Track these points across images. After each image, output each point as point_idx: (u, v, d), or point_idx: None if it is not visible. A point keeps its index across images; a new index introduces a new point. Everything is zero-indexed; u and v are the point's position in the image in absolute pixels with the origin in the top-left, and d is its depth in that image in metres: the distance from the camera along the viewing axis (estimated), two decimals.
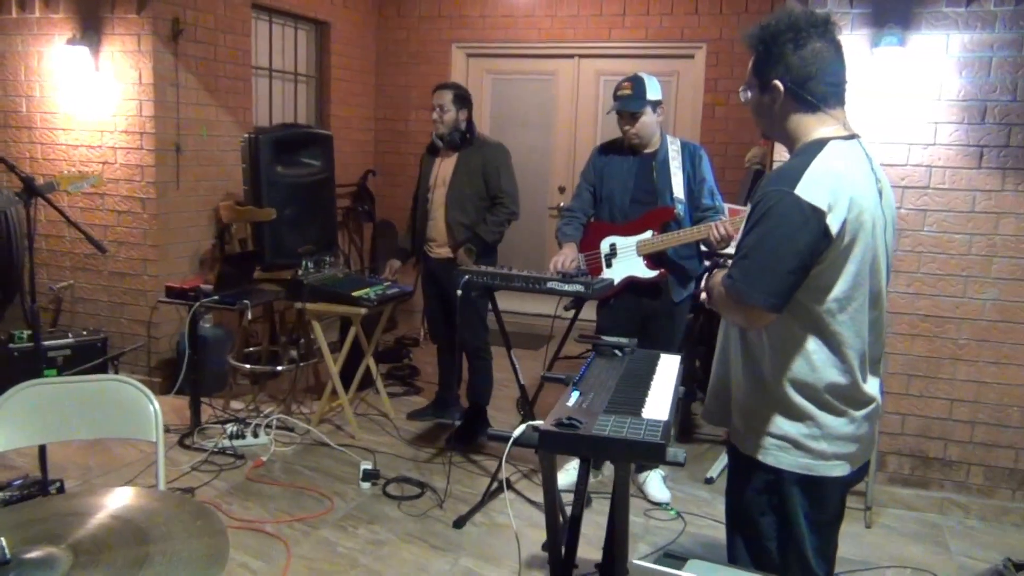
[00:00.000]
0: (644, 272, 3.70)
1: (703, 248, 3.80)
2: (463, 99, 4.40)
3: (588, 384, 2.27)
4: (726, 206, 3.80)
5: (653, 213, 3.68)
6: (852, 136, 1.96)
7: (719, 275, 2.09)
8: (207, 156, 5.35)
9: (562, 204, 6.87)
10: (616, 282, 3.70)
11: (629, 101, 3.68)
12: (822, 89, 1.92)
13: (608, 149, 3.90)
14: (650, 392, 2.22)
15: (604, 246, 3.78)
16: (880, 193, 1.95)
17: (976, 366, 3.67)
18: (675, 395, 2.25)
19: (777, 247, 1.83)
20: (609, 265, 3.77)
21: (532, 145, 6.90)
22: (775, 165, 3.83)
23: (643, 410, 2.03)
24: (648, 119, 3.70)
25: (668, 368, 2.51)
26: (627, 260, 3.72)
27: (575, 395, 2.14)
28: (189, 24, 5.08)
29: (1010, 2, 3.45)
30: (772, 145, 4.16)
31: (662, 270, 3.69)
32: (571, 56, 6.73)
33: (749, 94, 2.02)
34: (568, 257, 3.70)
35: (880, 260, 1.96)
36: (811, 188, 1.81)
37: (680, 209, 3.67)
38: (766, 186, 1.89)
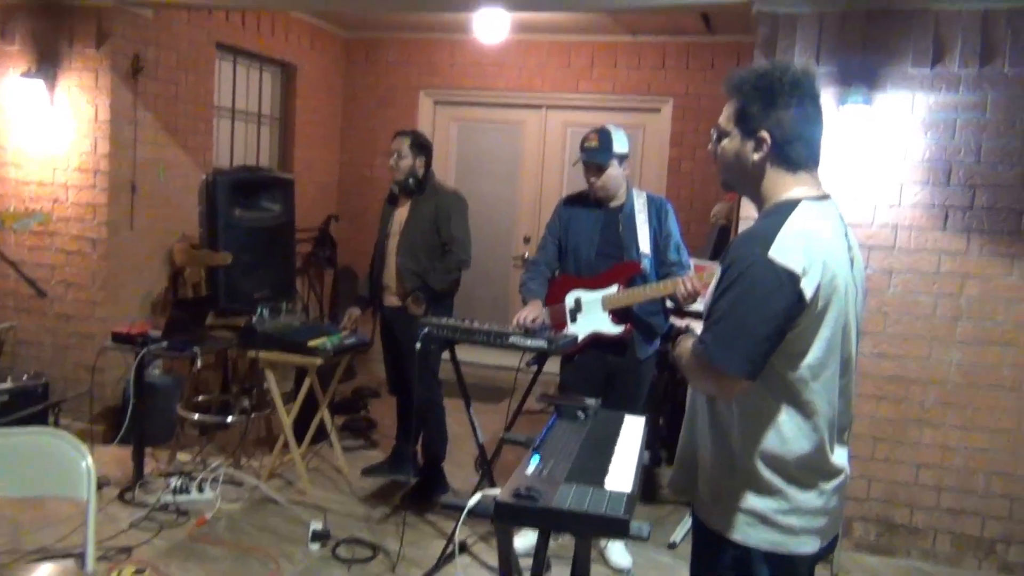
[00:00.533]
0: (609, 328, 3.61)
1: (668, 304, 3.73)
2: (421, 146, 4.34)
3: (549, 448, 2.15)
4: (692, 261, 3.74)
5: (619, 267, 3.61)
6: (824, 196, 1.90)
7: (687, 341, 2.00)
8: (163, 197, 5.21)
9: (527, 256, 6.81)
10: (580, 337, 3.61)
11: (595, 153, 3.63)
12: (806, 151, 1.85)
13: (574, 201, 3.83)
14: (613, 459, 2.11)
15: (569, 300, 3.69)
16: (851, 256, 1.88)
17: (942, 430, 3.61)
18: (639, 462, 2.15)
19: (751, 312, 1.74)
20: (574, 320, 3.68)
21: (498, 195, 6.85)
22: (742, 222, 3.79)
23: (606, 480, 1.92)
24: (614, 172, 3.65)
25: (632, 432, 2.40)
26: (592, 315, 3.63)
27: (535, 460, 2.02)
28: (150, 61, 4.97)
29: (973, 65, 3.47)
30: (738, 201, 4.13)
31: (628, 325, 3.61)
32: (539, 107, 6.72)
33: (725, 141, 1.94)
34: (532, 313, 3.59)
35: (851, 325, 1.89)
36: (785, 251, 1.73)
37: (646, 264, 3.61)
38: (737, 248, 1.81)
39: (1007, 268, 3.49)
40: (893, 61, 3.55)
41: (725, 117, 1.93)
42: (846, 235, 1.90)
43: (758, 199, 1.93)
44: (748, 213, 3.79)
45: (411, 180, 4.33)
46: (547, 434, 2.29)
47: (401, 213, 4.40)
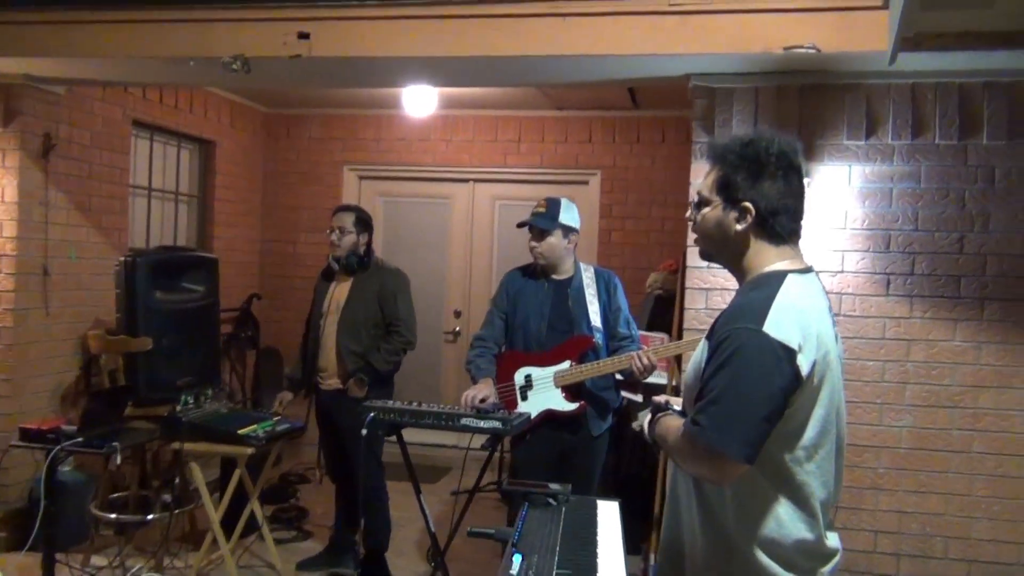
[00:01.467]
0: (563, 405, 3.51)
1: (618, 377, 3.66)
2: (364, 223, 4.22)
3: (528, 543, 2.01)
4: (657, 341, 3.70)
5: (571, 342, 3.53)
6: (808, 269, 1.86)
7: (670, 420, 1.91)
8: (75, 280, 4.91)
9: (457, 330, 6.69)
10: (533, 416, 3.48)
11: (540, 218, 3.61)
12: (789, 224, 1.81)
13: (521, 274, 3.76)
14: (599, 552, 1.99)
15: (519, 377, 3.58)
16: (837, 337, 1.84)
17: (897, 495, 3.60)
18: (624, 550, 2.04)
19: (750, 391, 1.66)
20: (524, 398, 3.56)
21: (426, 269, 6.73)
22: (688, 292, 3.78)
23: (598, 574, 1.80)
24: (556, 241, 3.61)
25: (609, 519, 2.30)
26: (544, 392, 3.52)
27: (517, 560, 1.88)
28: (62, 140, 4.73)
29: (905, 137, 3.58)
30: (681, 271, 4.12)
31: (582, 402, 3.51)
32: (466, 180, 6.69)
33: (706, 210, 1.88)
34: (482, 392, 3.46)
35: (842, 403, 1.84)
36: (780, 326, 1.67)
37: (598, 338, 3.54)
38: (728, 323, 1.74)
39: (950, 332, 3.55)
40: (829, 133, 3.63)
41: (707, 185, 1.88)
42: (830, 309, 1.86)
43: (739, 270, 1.88)
44: (693, 283, 3.78)
45: (353, 257, 4.18)
46: (522, 527, 2.15)
47: (339, 290, 4.24)
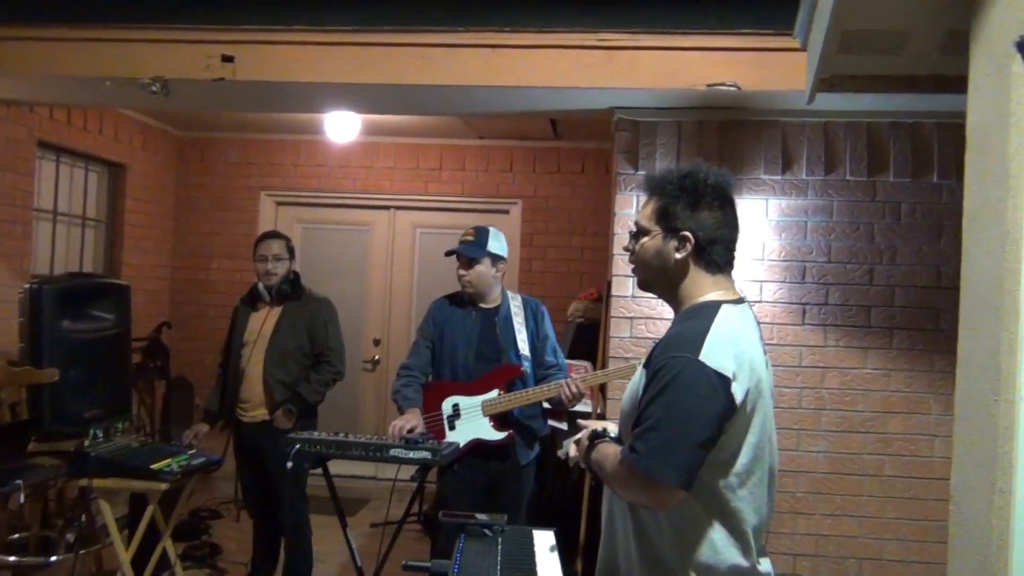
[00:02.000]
0: (491, 434, 3.50)
1: (545, 405, 3.67)
2: (292, 250, 4.15)
3: (468, 575, 1.99)
4: (581, 370, 3.73)
5: (499, 371, 3.53)
6: (741, 300, 1.91)
7: (608, 448, 1.92)
8: None
9: (376, 359, 6.61)
10: (461, 445, 3.46)
11: (468, 246, 3.61)
12: (725, 254, 1.87)
13: (448, 303, 3.75)
14: None
15: (446, 407, 3.55)
16: (767, 364, 1.90)
17: (814, 519, 3.72)
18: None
19: (686, 419, 1.69)
20: (452, 427, 3.53)
21: (345, 297, 6.59)
22: (613, 322, 3.83)
23: None
24: (484, 269, 3.62)
25: (546, 547, 2.29)
26: (472, 421, 3.51)
27: None
28: None
29: (819, 172, 3.74)
30: (606, 300, 4.18)
31: (510, 431, 3.50)
32: (387, 207, 6.65)
33: (645, 240, 1.92)
34: (410, 422, 3.41)
35: (773, 431, 1.89)
36: (715, 354, 1.71)
37: (526, 366, 3.55)
38: (666, 352, 1.77)
39: (862, 360, 3.70)
40: (747, 167, 3.76)
41: (645, 215, 1.93)
42: (761, 339, 1.92)
43: (675, 299, 1.92)
44: (618, 312, 3.84)
45: (286, 285, 4.09)
46: (461, 558, 2.13)
47: (265, 319, 4.12)
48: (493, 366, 3.56)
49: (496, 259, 3.64)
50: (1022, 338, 1.66)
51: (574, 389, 3.36)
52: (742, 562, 1.80)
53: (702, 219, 1.85)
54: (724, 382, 1.70)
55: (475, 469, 3.54)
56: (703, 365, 1.69)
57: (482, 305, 3.67)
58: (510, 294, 3.72)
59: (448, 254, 3.69)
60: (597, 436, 2.01)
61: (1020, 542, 1.66)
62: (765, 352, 1.92)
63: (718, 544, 1.78)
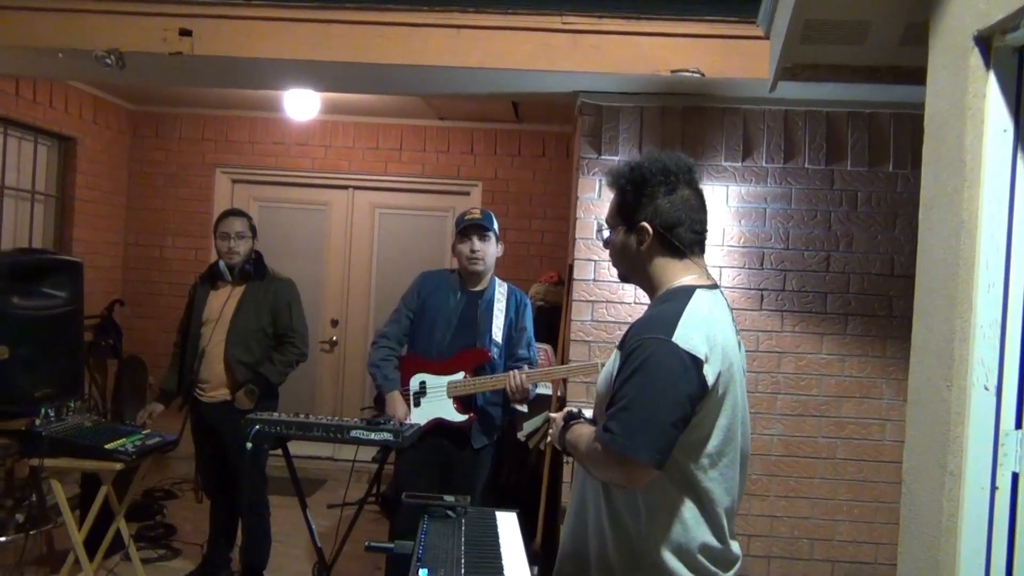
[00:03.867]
0: (452, 415, 3.52)
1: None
2: (254, 229, 4.10)
3: (432, 557, 2.00)
4: (542, 354, 3.75)
5: (468, 354, 3.55)
6: (714, 286, 1.94)
7: (582, 428, 1.95)
8: None
9: (335, 340, 6.56)
10: (424, 423, 3.48)
11: (483, 218, 3.62)
12: (688, 236, 1.89)
13: (436, 278, 3.75)
14: (504, 559, 2.01)
15: (414, 383, 3.59)
16: (740, 345, 1.93)
17: (768, 500, 3.79)
18: (529, 556, 2.07)
19: (658, 398, 1.72)
20: (417, 404, 3.57)
21: (303, 277, 6.47)
22: (574, 305, 3.85)
23: None
24: (492, 248, 3.64)
25: (509, 527, 2.32)
26: (436, 401, 3.54)
27: (424, 574, 1.87)
28: None
29: (778, 160, 3.79)
30: (567, 284, 4.20)
31: (471, 415, 3.52)
32: (346, 187, 6.58)
33: (609, 234, 1.96)
34: (400, 413, 3.50)
35: (746, 413, 1.92)
36: (688, 336, 1.74)
37: (495, 353, 3.57)
38: (638, 333, 1.80)
39: (817, 345, 3.77)
40: (708, 154, 3.80)
41: (609, 213, 1.99)
42: (733, 322, 1.95)
43: (650, 287, 1.95)
44: (580, 296, 3.86)
45: (249, 264, 4.03)
46: (425, 540, 2.14)
47: (224, 298, 4.06)
48: (465, 348, 3.56)
49: (498, 239, 3.69)
50: (975, 326, 1.71)
51: (517, 382, 3.38)
52: (714, 542, 1.83)
53: (658, 206, 1.88)
54: (696, 363, 1.72)
55: (431, 448, 3.55)
56: (676, 346, 1.72)
57: (470, 288, 3.67)
58: (498, 281, 3.73)
59: (462, 228, 3.63)
60: (572, 417, 2.03)
61: (969, 523, 1.72)
62: (738, 336, 1.95)
63: (690, 523, 1.81)
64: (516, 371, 3.44)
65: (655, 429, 1.70)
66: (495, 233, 3.65)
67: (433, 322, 3.63)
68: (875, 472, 3.76)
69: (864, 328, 3.77)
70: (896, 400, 3.72)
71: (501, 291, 3.68)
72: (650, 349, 1.73)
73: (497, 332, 3.58)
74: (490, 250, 3.64)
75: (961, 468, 1.72)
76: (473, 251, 3.60)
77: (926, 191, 1.93)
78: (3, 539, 4.05)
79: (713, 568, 1.85)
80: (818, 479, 3.77)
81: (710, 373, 1.74)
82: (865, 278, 3.78)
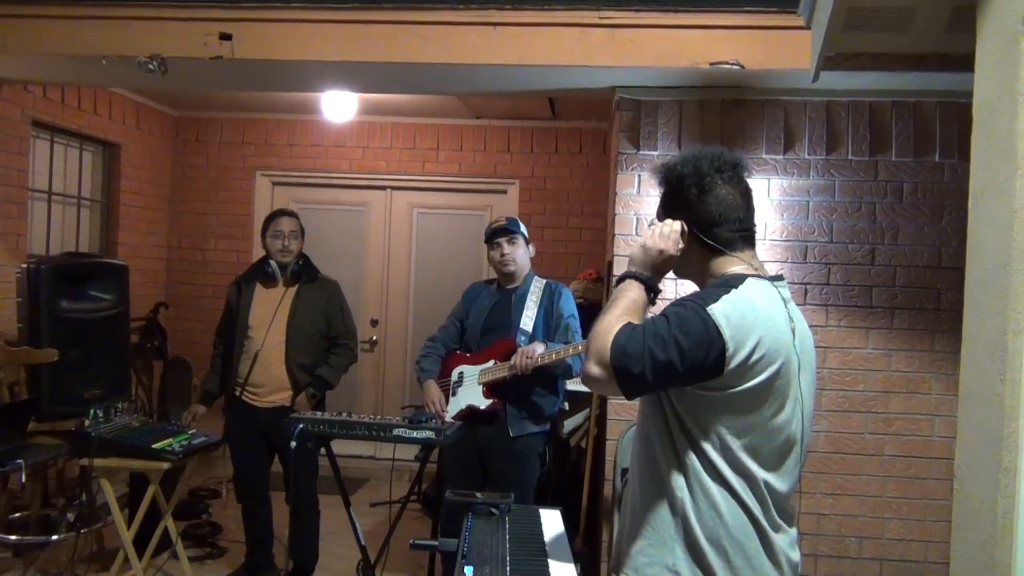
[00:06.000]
0: (480, 401, 3.63)
1: (569, 386, 3.86)
2: (303, 229, 4.14)
3: (477, 555, 1.99)
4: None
5: (498, 344, 3.66)
6: (776, 277, 1.90)
7: (632, 292, 1.86)
8: None
9: (375, 339, 6.60)
10: (459, 409, 3.64)
11: (509, 223, 3.74)
12: (727, 235, 1.86)
13: (479, 287, 3.95)
14: (550, 559, 2.00)
15: (454, 375, 3.75)
16: (794, 334, 1.88)
17: (815, 498, 3.74)
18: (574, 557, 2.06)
19: (677, 333, 1.68)
20: (455, 394, 3.71)
21: (342, 277, 6.51)
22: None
23: None
24: (522, 250, 3.75)
25: (554, 525, 2.31)
26: (469, 389, 3.67)
27: (469, 571, 1.87)
28: None
29: (821, 152, 3.73)
30: (607, 282, 4.18)
31: (495, 399, 3.60)
32: (383, 188, 6.62)
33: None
34: (434, 396, 3.68)
35: (798, 405, 1.88)
36: (725, 315, 1.70)
37: (522, 341, 3.60)
38: (682, 299, 1.79)
39: (863, 340, 3.71)
40: (749, 147, 3.75)
41: (657, 213, 1.96)
42: (789, 312, 1.88)
43: (698, 280, 1.94)
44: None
45: (299, 265, 4.07)
46: (468, 537, 2.14)
47: (276, 300, 4.06)
48: (497, 340, 3.67)
49: (527, 241, 3.81)
50: None
51: (520, 362, 3.44)
52: (759, 526, 1.80)
53: (692, 208, 1.86)
54: (719, 342, 1.69)
55: (469, 435, 3.60)
56: (709, 314, 1.70)
57: (507, 287, 3.79)
58: (535, 278, 3.82)
59: (490, 236, 3.75)
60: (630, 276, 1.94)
61: None
62: (792, 323, 1.87)
63: (728, 518, 1.78)
64: (521, 350, 3.49)
65: (657, 349, 1.67)
66: (523, 235, 3.76)
67: (472, 320, 3.81)
68: (924, 469, 3.68)
69: (911, 322, 3.69)
70: (945, 395, 3.64)
71: (536, 286, 3.78)
72: (687, 307, 1.73)
73: (528, 322, 3.66)
74: (519, 251, 3.74)
75: (1016, 464, 1.67)
76: (503, 254, 3.72)
77: (975, 180, 1.88)
78: (55, 538, 4.13)
79: (768, 563, 1.82)
80: (865, 476, 3.71)
81: (733, 359, 1.69)
82: (912, 271, 3.70)
